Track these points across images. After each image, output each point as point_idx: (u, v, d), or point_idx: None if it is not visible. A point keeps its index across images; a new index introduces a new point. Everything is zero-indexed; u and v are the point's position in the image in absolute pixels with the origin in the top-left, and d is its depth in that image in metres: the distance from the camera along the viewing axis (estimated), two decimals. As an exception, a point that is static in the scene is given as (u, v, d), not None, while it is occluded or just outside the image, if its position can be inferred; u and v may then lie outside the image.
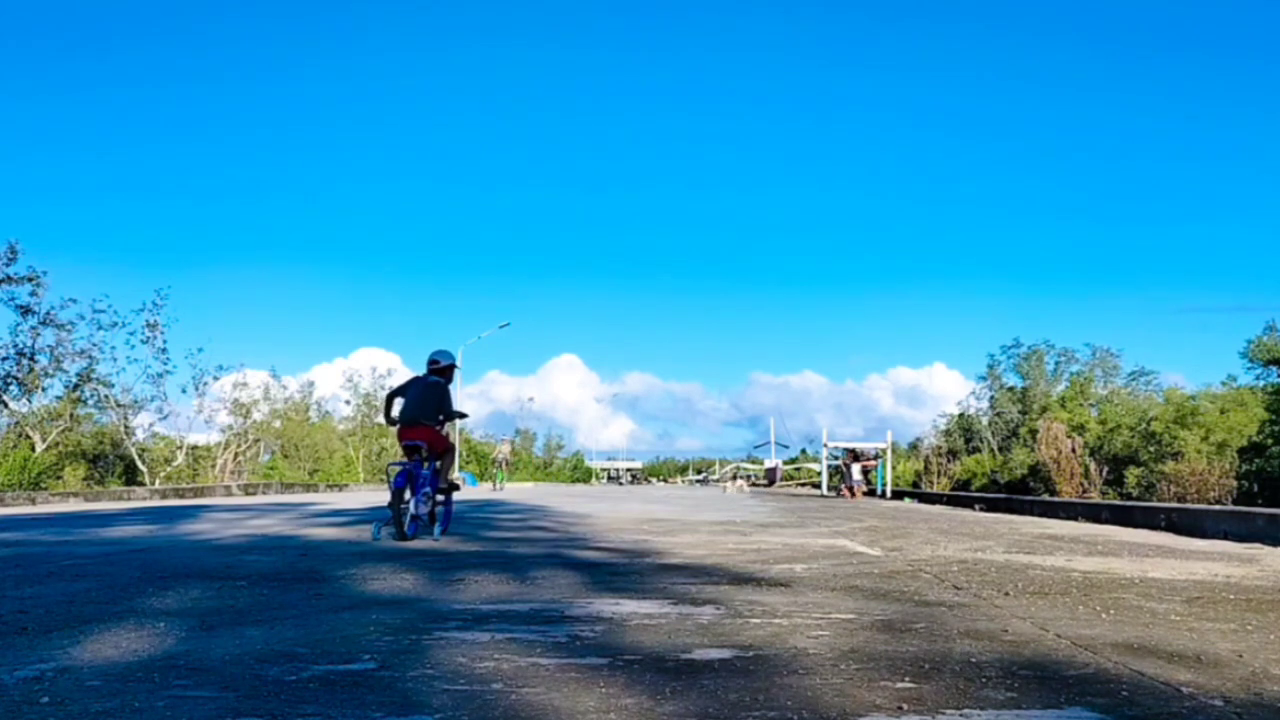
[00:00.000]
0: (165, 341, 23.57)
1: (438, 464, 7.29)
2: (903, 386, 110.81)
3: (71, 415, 22.31)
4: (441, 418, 7.40)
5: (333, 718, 2.03)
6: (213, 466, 25.80)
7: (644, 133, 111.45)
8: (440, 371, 7.54)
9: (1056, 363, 44.52)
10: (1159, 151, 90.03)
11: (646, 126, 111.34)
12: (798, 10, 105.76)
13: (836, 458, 31.12)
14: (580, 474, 57.08)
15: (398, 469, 6.93)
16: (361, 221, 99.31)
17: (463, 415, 7.89)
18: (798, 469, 63.38)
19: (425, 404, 7.29)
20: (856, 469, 27.16)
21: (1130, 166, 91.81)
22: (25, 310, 21.20)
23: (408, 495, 6.84)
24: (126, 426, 23.59)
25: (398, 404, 7.46)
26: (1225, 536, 8.32)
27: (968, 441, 44.01)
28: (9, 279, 20.74)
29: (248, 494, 20.21)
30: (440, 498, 7.37)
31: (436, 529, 7.24)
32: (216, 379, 25.87)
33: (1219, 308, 77.90)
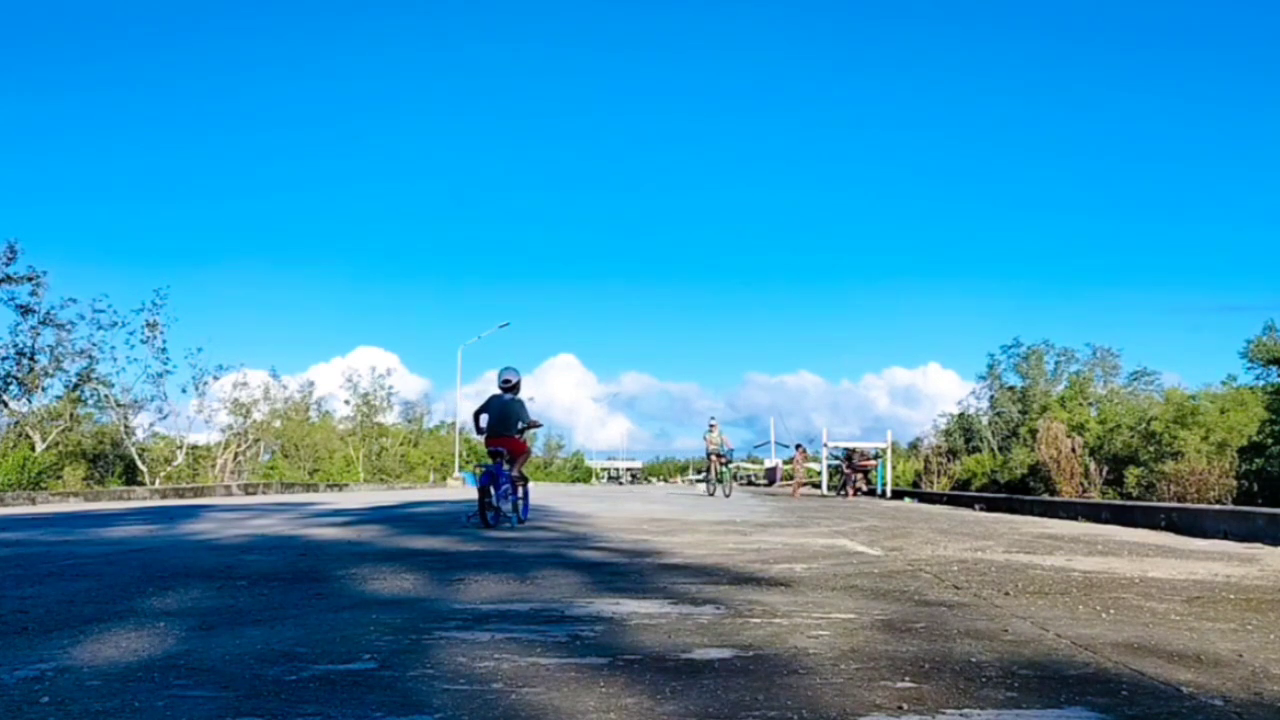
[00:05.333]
0: (165, 341, 23.64)
1: (519, 465, 8.76)
2: (898, 386, 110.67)
3: (71, 415, 22.32)
4: (522, 427, 8.76)
5: (333, 717, 2.03)
6: (213, 466, 25.82)
7: (641, 133, 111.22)
8: (513, 388, 8.91)
9: (1056, 362, 44.51)
10: (1158, 150, 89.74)
11: (643, 126, 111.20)
12: (793, 8, 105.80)
13: (837, 458, 31.11)
14: (580, 474, 57.07)
15: (481, 470, 8.50)
16: (361, 221, 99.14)
17: (538, 425, 9.20)
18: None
19: (507, 418, 8.72)
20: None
21: (1129, 165, 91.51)
22: (25, 310, 21.25)
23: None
24: (126, 426, 23.61)
25: (483, 419, 8.84)
26: (1225, 536, 8.32)
27: (968, 441, 43.97)
28: (9, 279, 20.78)
29: (248, 494, 20.20)
30: (519, 492, 8.79)
31: (515, 518, 8.62)
32: (216, 379, 25.94)
33: (1216, 307, 77.96)
